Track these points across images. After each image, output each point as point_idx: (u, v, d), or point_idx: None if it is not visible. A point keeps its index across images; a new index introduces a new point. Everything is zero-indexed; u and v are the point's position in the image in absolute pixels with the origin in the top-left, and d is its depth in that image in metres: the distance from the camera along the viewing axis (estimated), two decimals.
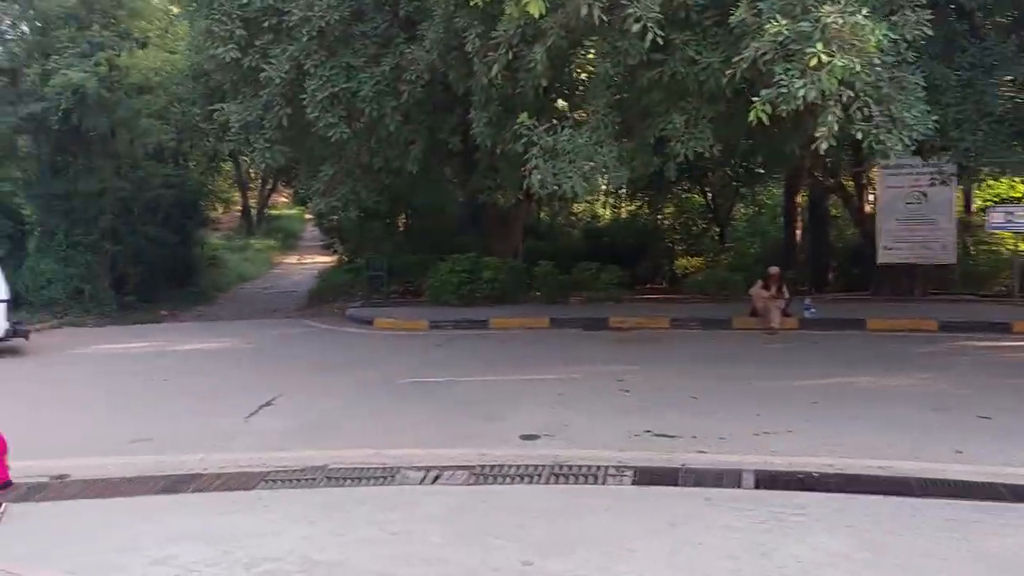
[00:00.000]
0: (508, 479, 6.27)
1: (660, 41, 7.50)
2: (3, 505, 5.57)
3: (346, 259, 24.32)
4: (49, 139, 18.88)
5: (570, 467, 6.44)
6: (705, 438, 7.20)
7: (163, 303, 20.97)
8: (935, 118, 7.80)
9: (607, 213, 27.60)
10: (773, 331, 13.56)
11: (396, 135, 12.81)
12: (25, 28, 19.45)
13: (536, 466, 6.49)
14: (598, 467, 6.40)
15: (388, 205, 21.25)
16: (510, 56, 8.78)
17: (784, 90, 6.47)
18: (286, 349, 13.69)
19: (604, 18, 7.48)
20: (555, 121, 9.00)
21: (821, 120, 6.75)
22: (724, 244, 23.60)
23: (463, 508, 5.64)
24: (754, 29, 6.87)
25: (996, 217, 16.41)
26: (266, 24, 11.77)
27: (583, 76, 14.50)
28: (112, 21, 19.20)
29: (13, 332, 13.23)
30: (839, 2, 6.37)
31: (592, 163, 8.80)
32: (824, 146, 6.87)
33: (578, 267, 18.53)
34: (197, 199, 25.50)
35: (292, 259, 35.20)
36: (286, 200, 42.09)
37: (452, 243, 19.86)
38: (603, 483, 6.15)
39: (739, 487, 5.97)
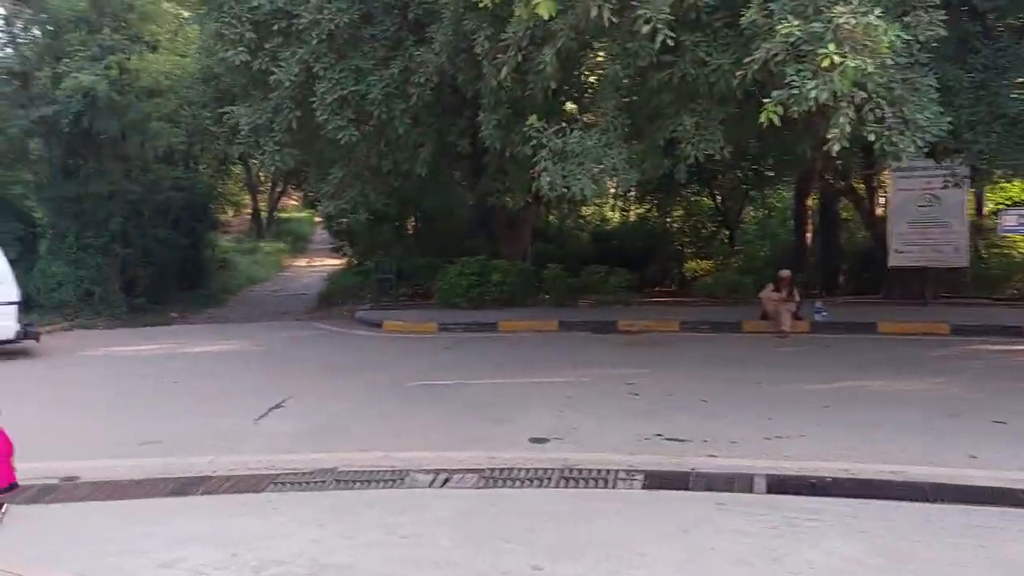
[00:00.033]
0: (517, 482, 6.24)
1: (670, 42, 7.45)
2: (4, 507, 5.56)
3: (355, 262, 24.36)
4: (60, 142, 18.99)
5: (580, 471, 6.40)
6: (716, 442, 7.16)
7: (173, 305, 21.04)
8: (948, 120, 7.72)
9: (616, 216, 27.55)
10: (784, 334, 13.49)
11: (405, 138, 12.80)
12: (36, 32, 19.57)
13: (546, 469, 6.46)
14: (608, 471, 6.37)
15: (397, 208, 21.30)
16: (519, 58, 8.75)
17: (796, 91, 6.41)
18: (295, 351, 13.70)
19: (614, 19, 7.43)
20: (564, 123, 8.96)
21: (833, 122, 6.69)
22: (734, 247, 23.50)
23: (472, 511, 5.61)
24: (765, 30, 6.80)
25: (1009, 220, 16.29)
26: (275, 27, 11.78)
27: (592, 79, 14.46)
28: (123, 25, 19.30)
29: (24, 334, 13.29)
30: (851, 2, 6.31)
31: (601, 165, 8.75)
32: (836, 148, 6.80)
33: (587, 270, 18.50)
34: (207, 202, 25.61)
35: (302, 262, 35.30)
36: (296, 203, 42.24)
37: (461, 246, 19.87)
38: (613, 487, 6.11)
39: (751, 492, 5.93)
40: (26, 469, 6.17)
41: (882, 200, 19.33)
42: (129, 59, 18.42)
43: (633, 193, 23.65)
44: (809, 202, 21.62)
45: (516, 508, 5.68)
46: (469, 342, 14.00)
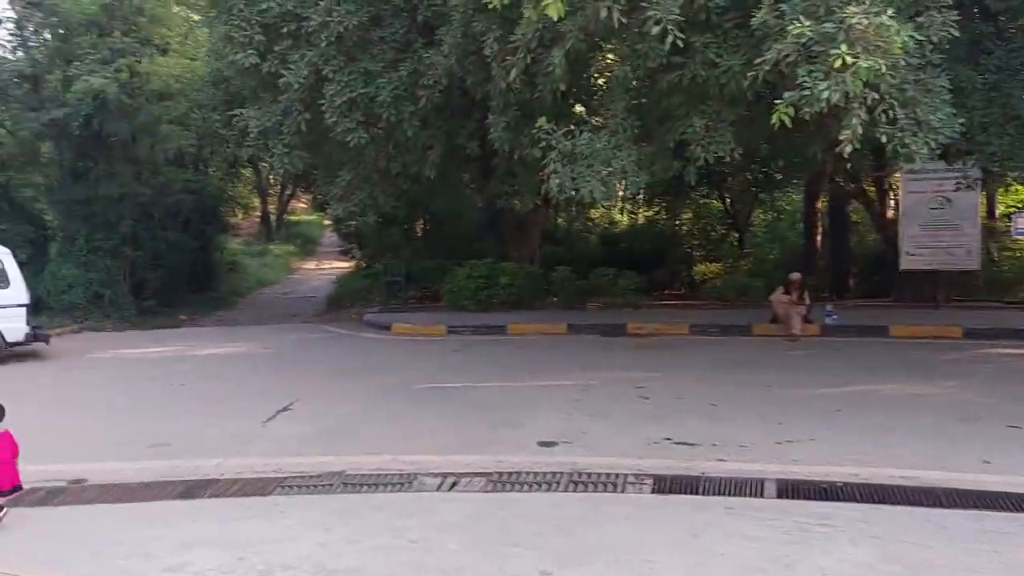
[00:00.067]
0: (526, 486, 6.20)
1: (680, 44, 7.40)
2: (3, 509, 5.54)
3: (364, 264, 24.41)
4: (71, 145, 19.07)
5: (588, 474, 6.37)
6: (725, 446, 7.11)
7: (182, 308, 21.10)
8: (961, 121, 7.66)
9: (624, 219, 27.50)
10: (794, 338, 13.40)
11: (414, 140, 12.79)
12: (47, 35, 19.65)
13: (554, 473, 6.42)
14: (617, 475, 6.32)
15: (406, 210, 21.31)
16: (528, 60, 8.72)
17: (807, 92, 6.36)
18: (304, 354, 13.70)
19: (623, 20, 7.40)
20: (574, 125, 8.93)
21: (845, 123, 6.63)
22: (743, 250, 23.42)
23: (480, 515, 5.58)
24: (776, 31, 6.75)
25: (1021, 223, 16.19)
26: (285, 30, 11.79)
27: (601, 81, 14.43)
28: (133, 28, 19.38)
29: (33, 336, 13.34)
30: (864, 3, 6.26)
31: (611, 167, 8.71)
32: (848, 149, 6.75)
33: (595, 273, 18.46)
34: (217, 204, 25.68)
35: (311, 264, 35.37)
36: (305, 206, 42.34)
37: (470, 248, 19.85)
38: (622, 491, 6.07)
39: (761, 496, 5.87)
40: (34, 471, 6.17)
41: (892, 202, 19.22)
42: (139, 62, 18.49)
43: (642, 196, 23.59)
44: (819, 205, 21.53)
45: (524, 512, 5.64)
46: (478, 345, 13.97)
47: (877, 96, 6.60)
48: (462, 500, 5.93)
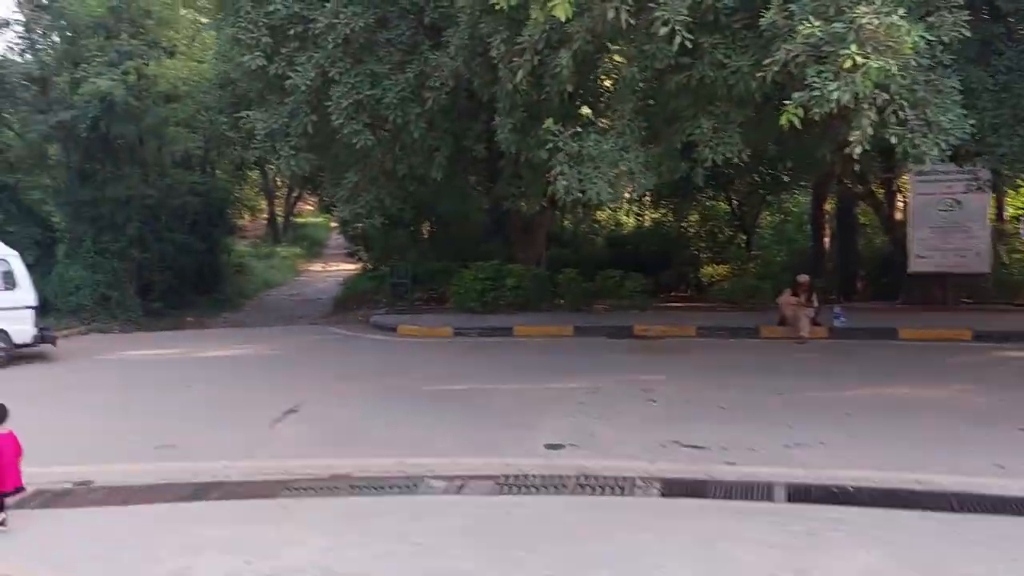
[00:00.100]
0: (533, 489, 6.17)
1: (688, 44, 7.35)
2: (4, 511, 5.51)
3: (370, 266, 24.37)
4: (78, 147, 19.12)
5: (596, 478, 6.32)
6: (734, 449, 7.05)
7: (189, 310, 21.11)
8: (971, 122, 7.59)
9: (631, 221, 27.43)
10: (802, 340, 13.32)
11: (420, 142, 12.77)
12: (55, 37, 19.74)
13: (561, 476, 6.39)
14: (625, 478, 6.28)
15: (412, 212, 21.29)
16: (535, 61, 8.67)
17: (817, 93, 6.30)
18: (310, 356, 13.68)
19: (631, 21, 7.35)
20: (580, 127, 8.88)
21: (855, 124, 6.57)
22: (750, 252, 23.31)
23: (487, 519, 5.54)
24: (785, 31, 6.70)
25: None
26: (292, 32, 11.79)
27: (608, 82, 14.39)
28: (140, 30, 19.43)
29: (40, 338, 13.35)
30: (874, 2, 6.20)
31: (618, 169, 8.67)
32: (858, 150, 6.68)
33: (602, 275, 18.37)
34: (224, 207, 25.68)
35: (317, 266, 35.40)
36: (311, 208, 42.38)
37: (476, 250, 19.81)
38: (630, 494, 6.03)
39: (771, 500, 5.83)
40: (40, 473, 6.16)
41: (901, 204, 19.12)
42: (147, 64, 18.53)
43: (648, 197, 23.52)
44: (827, 206, 21.44)
45: (531, 516, 5.60)
46: (484, 347, 13.93)
47: (887, 97, 6.54)
48: (469, 503, 5.90)
